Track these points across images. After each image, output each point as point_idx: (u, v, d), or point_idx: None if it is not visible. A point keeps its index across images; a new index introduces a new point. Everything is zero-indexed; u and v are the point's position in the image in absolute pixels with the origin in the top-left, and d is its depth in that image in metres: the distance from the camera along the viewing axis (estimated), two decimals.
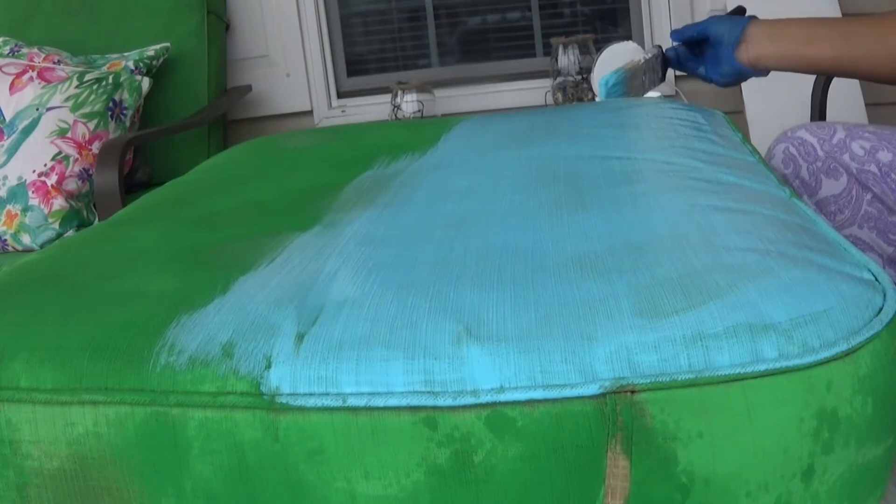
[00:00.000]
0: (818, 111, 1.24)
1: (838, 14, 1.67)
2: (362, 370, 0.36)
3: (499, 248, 0.45)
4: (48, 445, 0.39)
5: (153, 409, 0.38)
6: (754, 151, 0.66)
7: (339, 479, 0.36)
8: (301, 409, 0.36)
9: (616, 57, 1.55)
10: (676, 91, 1.73)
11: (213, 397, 0.37)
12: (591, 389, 0.33)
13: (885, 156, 0.77)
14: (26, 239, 1.32)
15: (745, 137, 0.71)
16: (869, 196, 0.77)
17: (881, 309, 0.37)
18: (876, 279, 0.40)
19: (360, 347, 0.36)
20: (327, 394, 0.35)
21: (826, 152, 0.79)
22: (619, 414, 0.33)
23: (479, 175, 0.61)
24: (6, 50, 1.48)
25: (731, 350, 0.33)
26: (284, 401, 0.36)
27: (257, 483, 0.37)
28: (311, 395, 0.36)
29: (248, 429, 0.36)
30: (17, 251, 1.34)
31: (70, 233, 1.33)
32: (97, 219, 1.34)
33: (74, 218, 1.34)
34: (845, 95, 1.54)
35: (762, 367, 0.33)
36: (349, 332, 0.38)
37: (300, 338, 0.38)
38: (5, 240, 1.33)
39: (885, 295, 0.38)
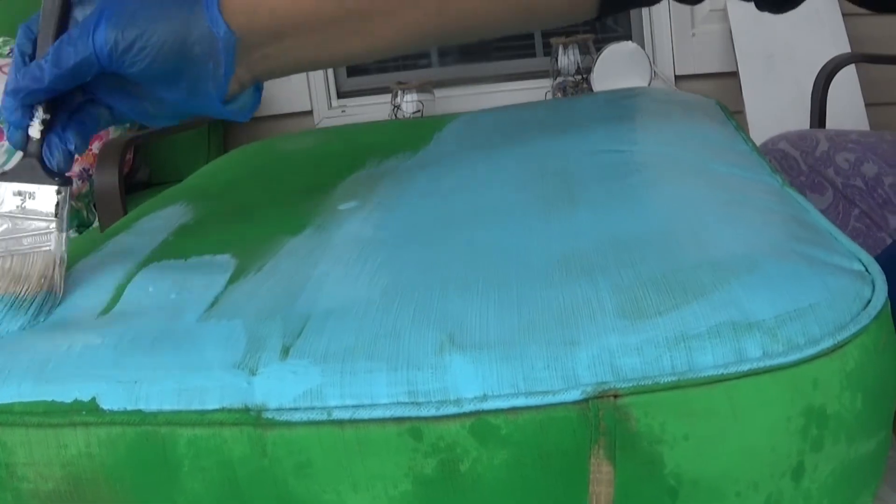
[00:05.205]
0: (818, 111, 1.23)
1: (838, 14, 1.65)
2: (346, 383, 0.36)
3: (485, 249, 0.45)
4: (42, 467, 0.39)
5: (143, 429, 0.38)
6: (747, 139, 0.65)
7: (328, 492, 0.36)
8: (287, 423, 0.36)
9: (616, 57, 1.54)
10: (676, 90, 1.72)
11: (200, 415, 0.37)
12: (574, 395, 0.33)
13: (870, 168, 0.75)
14: None
15: (740, 125, 0.71)
16: (856, 212, 0.75)
17: (869, 301, 0.36)
18: (866, 269, 0.39)
19: (344, 360, 0.36)
20: (312, 408, 0.35)
21: (810, 166, 0.78)
22: (601, 419, 0.33)
23: (468, 173, 0.61)
24: (6, 50, 1.49)
25: (715, 350, 0.33)
26: (271, 416, 0.36)
27: (247, 498, 0.37)
28: (296, 409, 0.36)
29: (237, 445, 0.36)
30: None
31: (70, 233, 1.34)
32: (97, 219, 1.35)
33: (74, 218, 1.34)
34: (845, 95, 1.53)
35: (746, 367, 0.33)
36: (333, 344, 0.37)
37: (286, 351, 0.38)
38: None
39: (874, 286, 0.37)
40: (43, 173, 0.47)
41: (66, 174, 0.48)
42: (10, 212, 0.46)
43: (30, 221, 0.46)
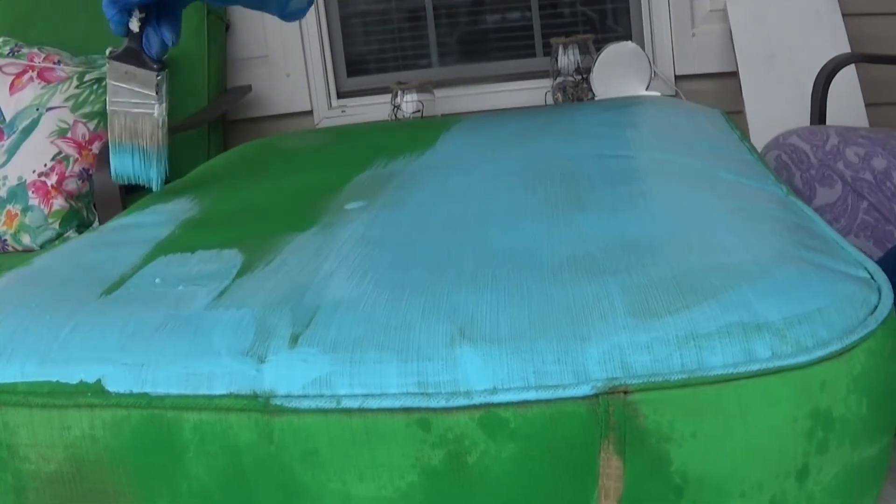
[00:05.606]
0: (818, 111, 1.23)
1: (838, 14, 1.66)
2: (356, 372, 0.36)
3: (494, 249, 0.45)
4: (45, 449, 0.39)
5: (149, 412, 0.38)
6: (752, 150, 0.66)
7: (333, 481, 0.36)
8: (295, 410, 0.36)
9: (616, 57, 1.55)
10: (676, 91, 1.73)
11: (207, 400, 0.37)
12: (584, 390, 0.33)
13: (879, 163, 0.76)
14: (26, 239, 1.32)
15: (744, 135, 0.71)
16: (865, 205, 0.75)
17: (876, 307, 0.36)
18: (872, 277, 0.40)
19: (354, 349, 0.36)
20: (321, 395, 0.36)
21: (819, 160, 0.78)
22: (611, 415, 0.33)
23: (476, 175, 0.61)
24: (6, 50, 1.48)
25: (724, 350, 0.33)
26: (279, 402, 0.36)
27: (252, 485, 0.37)
28: (305, 396, 0.36)
29: (243, 431, 0.36)
30: (17, 251, 1.34)
31: (70, 233, 1.33)
32: (97, 219, 1.34)
33: (74, 218, 1.34)
34: (845, 95, 1.54)
35: (755, 367, 0.33)
36: (344, 333, 0.38)
37: (295, 339, 0.38)
38: (5, 240, 1.33)
39: (880, 293, 0.38)
40: (144, 58, 0.60)
41: (162, 60, 0.61)
42: (121, 85, 0.60)
43: (136, 93, 0.60)
